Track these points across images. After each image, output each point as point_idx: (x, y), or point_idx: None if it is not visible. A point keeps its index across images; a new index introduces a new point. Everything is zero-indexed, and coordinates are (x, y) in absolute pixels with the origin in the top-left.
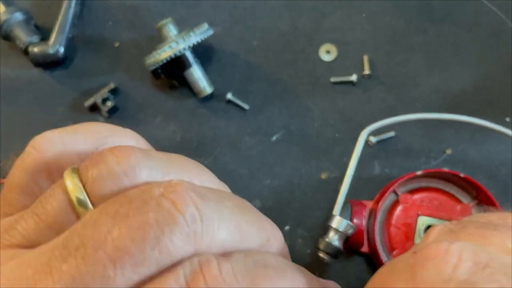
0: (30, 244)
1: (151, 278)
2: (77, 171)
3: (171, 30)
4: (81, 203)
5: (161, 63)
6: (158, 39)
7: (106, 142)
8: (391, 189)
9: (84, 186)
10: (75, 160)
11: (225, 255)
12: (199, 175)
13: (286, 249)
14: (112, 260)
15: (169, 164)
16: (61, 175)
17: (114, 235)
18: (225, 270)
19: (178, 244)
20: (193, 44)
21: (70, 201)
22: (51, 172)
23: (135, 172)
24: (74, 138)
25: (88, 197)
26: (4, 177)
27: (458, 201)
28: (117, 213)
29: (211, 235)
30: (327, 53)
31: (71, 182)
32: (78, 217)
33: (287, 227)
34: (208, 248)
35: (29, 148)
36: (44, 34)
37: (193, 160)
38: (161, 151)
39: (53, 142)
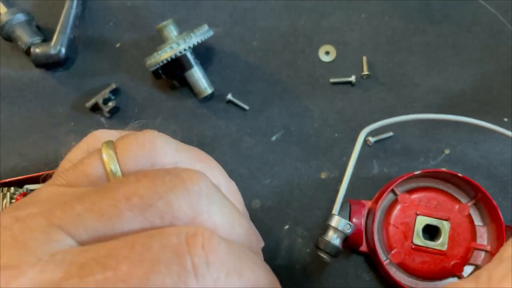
0: (69, 185)
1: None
2: (112, 144)
3: (171, 31)
4: (112, 172)
5: (161, 64)
6: (158, 40)
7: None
8: (389, 188)
9: (116, 156)
10: None
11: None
12: (214, 169)
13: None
14: (126, 197)
15: (184, 147)
16: None
17: (132, 183)
18: (222, 245)
19: (181, 204)
20: (194, 45)
21: (104, 169)
22: None
23: (155, 142)
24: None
25: (120, 166)
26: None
27: (457, 201)
28: (145, 176)
29: (208, 213)
30: (327, 53)
31: (106, 154)
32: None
33: (286, 227)
34: (203, 221)
35: (88, 136)
36: (45, 35)
37: (210, 156)
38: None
39: (110, 133)
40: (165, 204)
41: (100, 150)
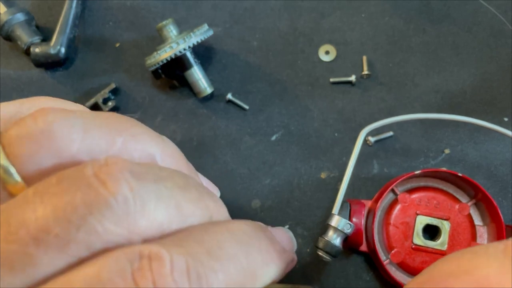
0: None
1: (85, 261)
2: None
3: (171, 30)
4: (12, 183)
5: (161, 63)
6: (158, 39)
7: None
8: (389, 188)
9: (4, 149)
10: None
11: (179, 237)
12: (139, 138)
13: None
14: (35, 239)
15: (93, 121)
16: None
17: (38, 214)
18: (177, 267)
19: (108, 227)
20: (194, 45)
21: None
22: None
23: (52, 129)
24: None
25: (11, 161)
26: None
27: (457, 200)
28: (46, 192)
29: (147, 217)
30: (327, 53)
31: None
32: (3, 185)
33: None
34: (144, 231)
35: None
36: (45, 35)
37: (129, 118)
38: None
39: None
40: (87, 233)
41: None
